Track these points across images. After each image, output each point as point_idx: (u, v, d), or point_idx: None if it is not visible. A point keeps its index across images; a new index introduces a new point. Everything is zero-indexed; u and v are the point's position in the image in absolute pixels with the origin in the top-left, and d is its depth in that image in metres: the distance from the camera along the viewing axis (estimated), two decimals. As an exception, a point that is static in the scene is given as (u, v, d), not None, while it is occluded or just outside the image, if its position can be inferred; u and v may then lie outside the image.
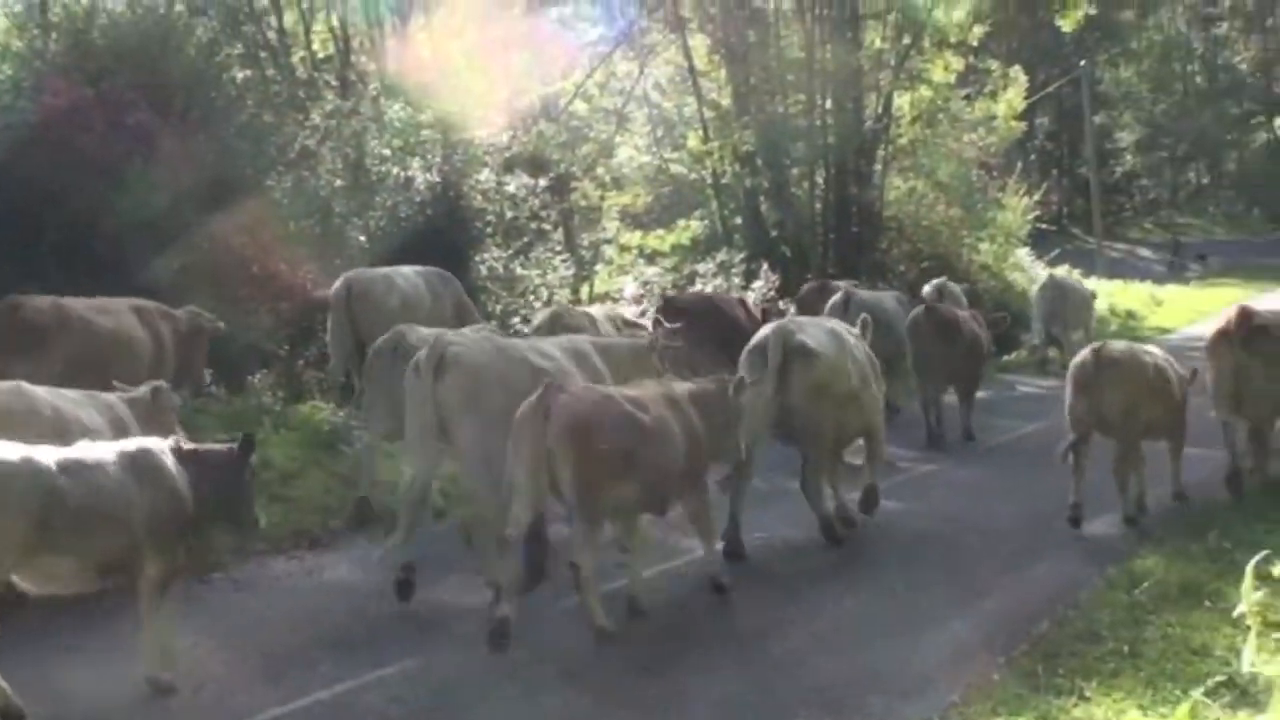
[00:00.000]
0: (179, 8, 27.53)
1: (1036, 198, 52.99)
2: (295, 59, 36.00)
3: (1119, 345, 16.55)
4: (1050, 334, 32.92)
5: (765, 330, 15.65)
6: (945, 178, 46.02)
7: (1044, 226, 58.96)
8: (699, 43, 45.32)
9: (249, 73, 29.66)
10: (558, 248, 35.32)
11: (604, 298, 34.36)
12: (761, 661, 11.03)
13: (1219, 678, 8.58)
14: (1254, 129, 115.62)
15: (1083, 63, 64.27)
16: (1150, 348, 17.09)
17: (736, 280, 34.73)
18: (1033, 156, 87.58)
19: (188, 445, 10.86)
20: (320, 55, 38.28)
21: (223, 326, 18.52)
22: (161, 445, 10.63)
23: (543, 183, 34.43)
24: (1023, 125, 52.91)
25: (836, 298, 24.41)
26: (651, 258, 40.20)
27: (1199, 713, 6.80)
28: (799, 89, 43.92)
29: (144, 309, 17.38)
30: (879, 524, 16.21)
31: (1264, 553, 9.76)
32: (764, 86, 44.12)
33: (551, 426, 11.37)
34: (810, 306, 24.94)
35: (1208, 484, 17.23)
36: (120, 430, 12.47)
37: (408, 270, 21.88)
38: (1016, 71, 50.64)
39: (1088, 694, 9.44)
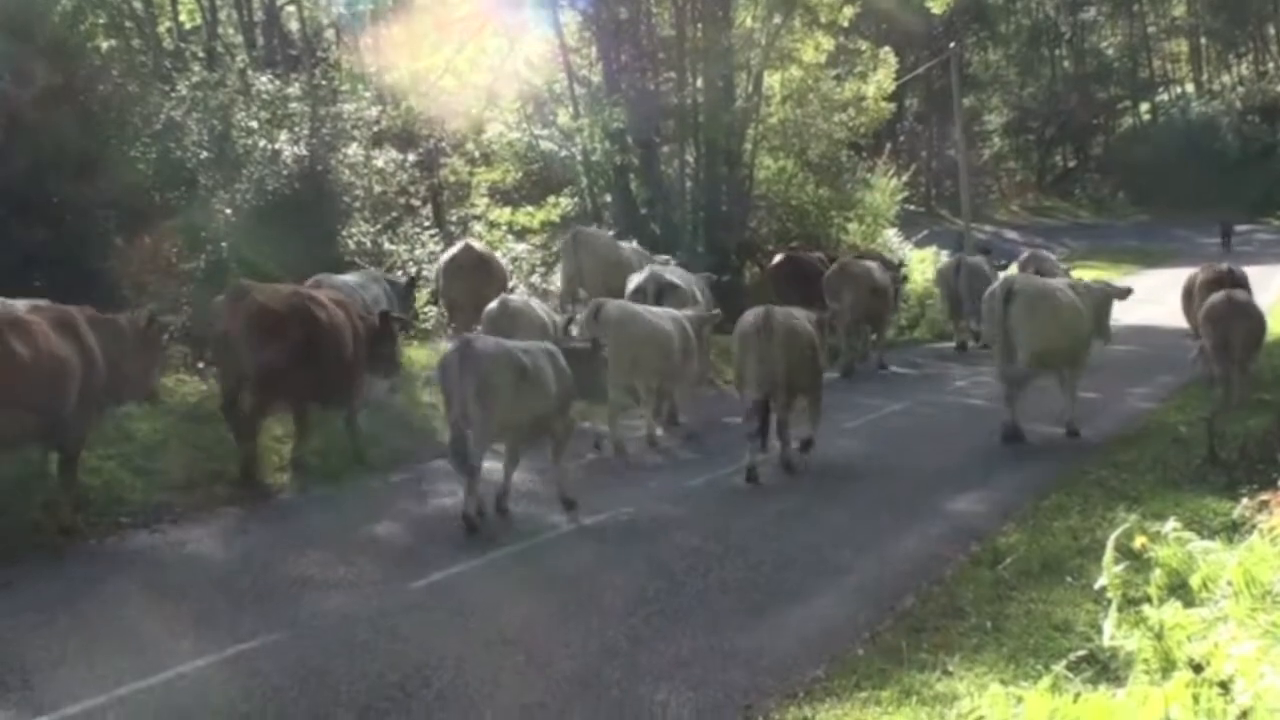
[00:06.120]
0: (42, -25, 26.94)
1: (905, 179, 53.40)
2: (161, 29, 35.43)
3: (1240, 294, 21.80)
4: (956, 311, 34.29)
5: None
6: (815, 157, 46.28)
7: (912, 208, 59.54)
8: (570, 19, 45.16)
9: (114, 42, 29.17)
10: (426, 223, 35.01)
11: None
12: (622, 638, 10.93)
13: (1080, 652, 8.58)
14: (1120, 113, 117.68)
15: (952, 45, 64.66)
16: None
17: (607, 258, 34.63)
18: (902, 138, 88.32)
19: (572, 343, 17.05)
20: (187, 26, 37.71)
21: None
22: (554, 347, 16.05)
23: (412, 158, 34.18)
24: (892, 107, 53.28)
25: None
26: (521, 234, 39.97)
27: (1060, 687, 6.77)
28: (670, 66, 43.92)
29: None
30: (744, 500, 16.26)
31: (1124, 526, 9.80)
32: (634, 64, 44.03)
33: (774, 338, 17.26)
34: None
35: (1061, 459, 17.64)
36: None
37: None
38: (886, 53, 50.88)
39: (951, 668, 9.46)
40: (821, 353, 18.84)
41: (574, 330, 19.88)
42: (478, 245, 28.00)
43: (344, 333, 17.38)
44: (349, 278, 22.46)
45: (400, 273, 24.54)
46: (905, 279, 35.16)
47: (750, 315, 17.93)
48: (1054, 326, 19.31)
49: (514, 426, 14.96)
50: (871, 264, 30.77)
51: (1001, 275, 24.76)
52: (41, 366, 13.39)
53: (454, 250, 27.07)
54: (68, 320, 14.15)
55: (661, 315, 20.15)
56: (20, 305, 14.00)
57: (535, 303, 22.77)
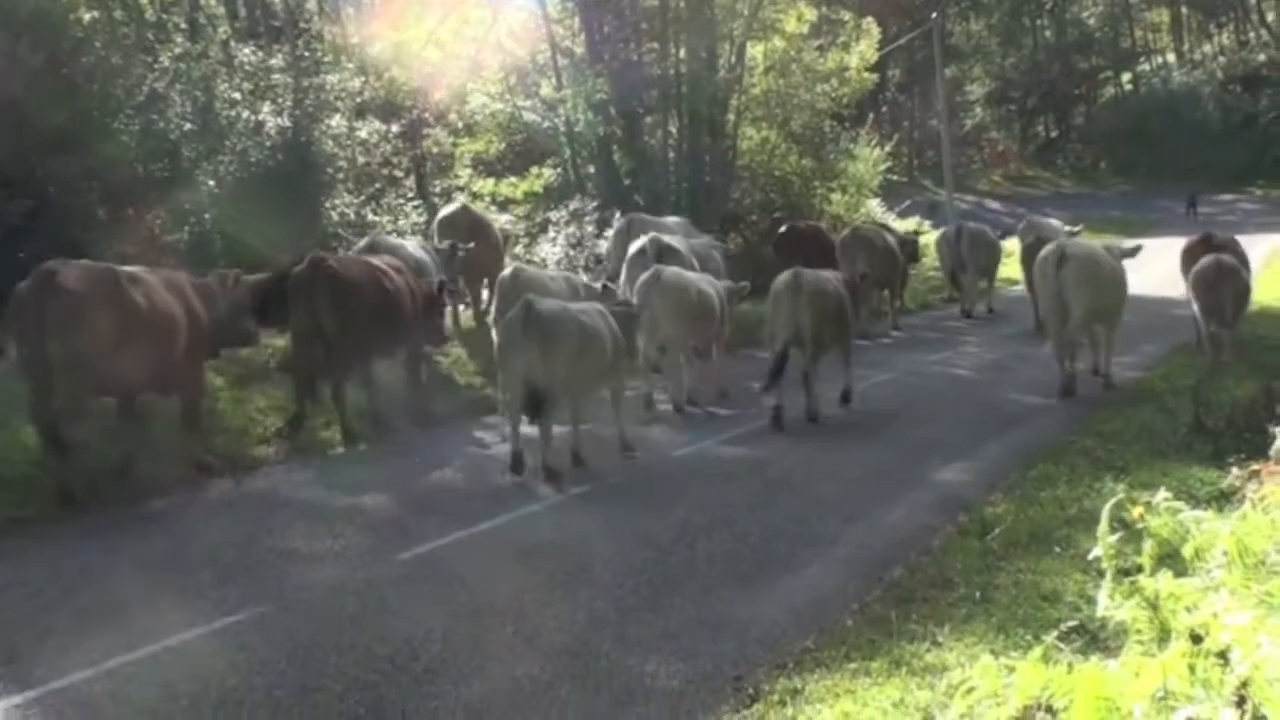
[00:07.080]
0: (24, -53, 26.77)
1: (888, 149, 53.44)
2: (143, 1, 35.21)
3: (1227, 258, 22.77)
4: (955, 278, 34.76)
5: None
6: (798, 128, 46.25)
7: (895, 178, 59.45)
8: (553, -11, 45.08)
9: (96, 14, 28.97)
10: (409, 194, 35.01)
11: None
12: (611, 609, 10.90)
13: (1071, 623, 8.57)
14: (1102, 83, 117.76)
15: (934, 15, 64.60)
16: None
17: (590, 228, 34.60)
18: (884, 108, 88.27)
19: (614, 307, 17.79)
20: (169, -2, 37.55)
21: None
22: (604, 308, 17.17)
23: (395, 129, 34.11)
24: (874, 77, 53.25)
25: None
26: (504, 205, 40.00)
27: (1051, 657, 6.74)
28: (653, 37, 43.87)
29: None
30: (732, 471, 16.24)
31: (1118, 497, 9.77)
32: (617, 34, 43.96)
33: (801, 296, 18.69)
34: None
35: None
36: (575, 298, 19.51)
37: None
38: (869, 23, 50.92)
39: (940, 639, 9.44)
40: (852, 311, 20.59)
41: (631, 297, 20.34)
42: (473, 206, 29.10)
43: (405, 299, 19.05)
44: (405, 241, 23.84)
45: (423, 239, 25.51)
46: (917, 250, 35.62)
47: (782, 276, 19.42)
48: (1103, 286, 20.58)
49: (576, 384, 15.89)
50: (882, 229, 32.75)
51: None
52: (156, 320, 14.85)
53: (450, 210, 27.37)
54: (175, 281, 15.96)
55: (704, 282, 20.91)
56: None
57: (552, 271, 24.06)
